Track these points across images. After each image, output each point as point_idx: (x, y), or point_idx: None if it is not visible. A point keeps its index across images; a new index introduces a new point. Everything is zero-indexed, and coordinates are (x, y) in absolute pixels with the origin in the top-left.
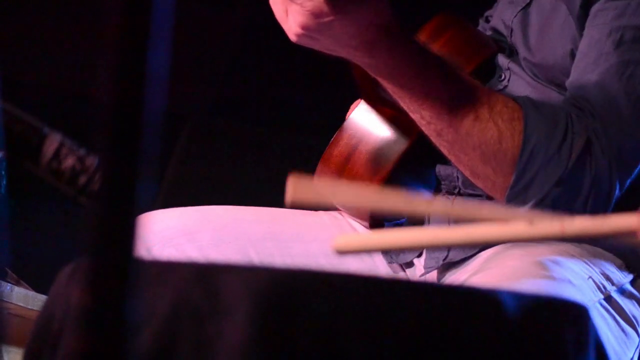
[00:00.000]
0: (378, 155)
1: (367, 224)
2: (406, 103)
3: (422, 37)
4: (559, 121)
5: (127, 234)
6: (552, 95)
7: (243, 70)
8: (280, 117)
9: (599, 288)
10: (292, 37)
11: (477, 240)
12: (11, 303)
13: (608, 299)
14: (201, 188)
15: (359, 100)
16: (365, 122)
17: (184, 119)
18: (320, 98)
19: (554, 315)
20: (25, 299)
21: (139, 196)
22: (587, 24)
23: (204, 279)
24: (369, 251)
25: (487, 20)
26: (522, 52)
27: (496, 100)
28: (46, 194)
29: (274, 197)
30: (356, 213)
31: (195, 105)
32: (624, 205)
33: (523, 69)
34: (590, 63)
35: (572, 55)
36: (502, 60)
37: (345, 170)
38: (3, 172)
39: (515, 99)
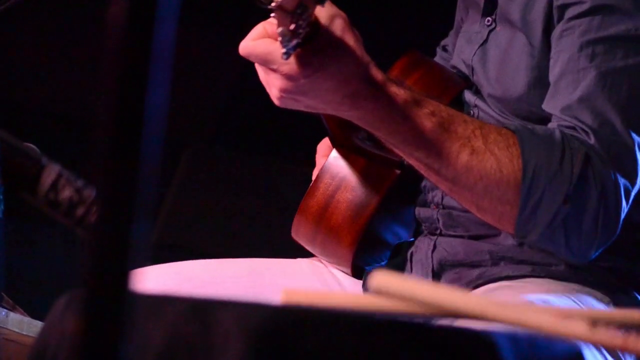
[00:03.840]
0: (356, 203)
1: (349, 270)
2: (399, 148)
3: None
4: (555, 139)
5: (123, 267)
6: None
7: (243, 99)
8: (280, 147)
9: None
10: (276, 101)
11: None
12: (6, 329)
13: None
14: (199, 216)
15: (326, 139)
16: (340, 171)
17: (183, 147)
18: (320, 129)
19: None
20: (21, 325)
21: (135, 230)
22: (554, 46)
23: (198, 314)
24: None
25: (445, 50)
26: (486, 88)
27: (489, 130)
28: (43, 219)
29: (272, 226)
30: (336, 260)
31: (194, 134)
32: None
33: (489, 105)
34: (569, 82)
35: (534, 84)
36: (469, 96)
37: (323, 220)
38: (1, 197)
39: (507, 125)
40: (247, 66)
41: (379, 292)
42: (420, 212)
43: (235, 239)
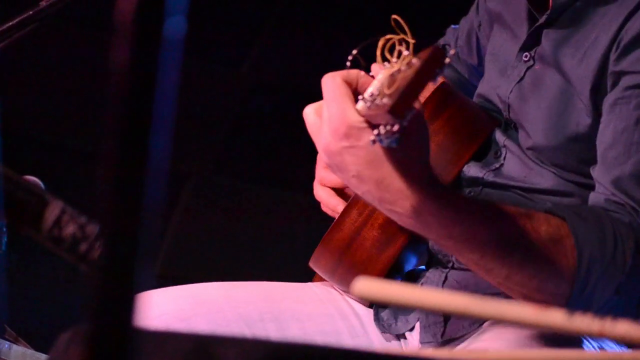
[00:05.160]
0: (382, 242)
1: (366, 302)
2: (450, 250)
3: None
4: (606, 227)
5: (127, 302)
6: (548, 176)
7: (245, 129)
8: (282, 176)
9: None
10: (322, 152)
11: (508, 318)
12: None
13: None
14: (203, 245)
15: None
16: (368, 207)
17: (186, 177)
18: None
19: None
20: (24, 357)
21: (139, 266)
22: (607, 111)
23: (202, 350)
24: (389, 302)
25: (443, 49)
26: (524, 131)
27: (539, 223)
28: (46, 253)
29: (276, 254)
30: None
31: (197, 164)
32: None
33: (520, 147)
34: (620, 154)
35: (575, 139)
36: (498, 136)
37: (347, 255)
38: (4, 229)
39: (553, 211)
40: (249, 96)
41: (364, 298)
42: (435, 244)
43: (239, 268)
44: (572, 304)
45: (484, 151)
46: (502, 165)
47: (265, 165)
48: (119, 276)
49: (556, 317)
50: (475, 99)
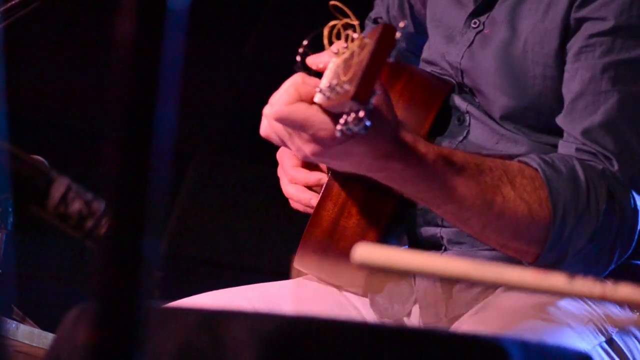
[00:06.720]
0: (363, 227)
1: (360, 289)
2: (428, 203)
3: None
4: (578, 176)
5: (133, 278)
6: (522, 141)
7: (250, 107)
8: None
9: (600, 330)
10: (303, 159)
11: (509, 282)
12: (16, 340)
13: (609, 341)
14: (208, 225)
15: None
16: (340, 196)
17: (191, 156)
18: None
19: None
20: (31, 337)
21: (145, 242)
22: (571, 60)
23: (209, 325)
24: (389, 268)
25: (376, 22)
26: (483, 97)
27: (514, 173)
28: (53, 232)
29: (281, 233)
30: (347, 282)
31: (202, 143)
32: None
33: (485, 113)
34: (589, 104)
35: (546, 94)
36: (458, 101)
37: (330, 247)
38: (10, 209)
39: (527, 162)
40: (254, 75)
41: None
42: (422, 231)
43: (244, 248)
44: (548, 252)
45: (446, 122)
46: (468, 132)
47: (269, 145)
48: (125, 253)
49: (557, 281)
50: (420, 64)
